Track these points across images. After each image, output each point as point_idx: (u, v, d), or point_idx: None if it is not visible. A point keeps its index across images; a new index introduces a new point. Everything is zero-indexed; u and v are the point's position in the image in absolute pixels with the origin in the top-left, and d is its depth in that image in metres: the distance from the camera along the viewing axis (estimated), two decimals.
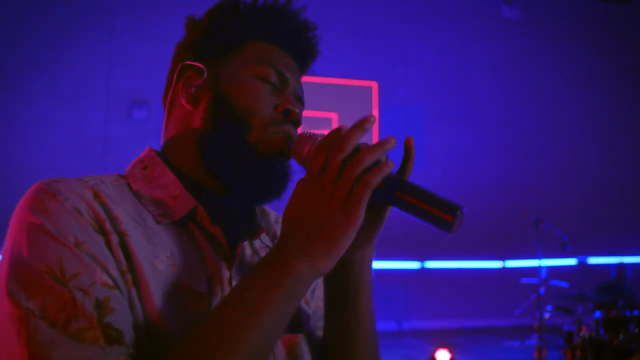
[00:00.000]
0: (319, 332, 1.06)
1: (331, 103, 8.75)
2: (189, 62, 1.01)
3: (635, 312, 5.48)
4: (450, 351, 6.95)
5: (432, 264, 10.72)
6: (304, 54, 1.09)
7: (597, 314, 5.70)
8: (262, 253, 1.02)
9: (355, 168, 0.81)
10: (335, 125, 8.67)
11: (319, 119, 8.59)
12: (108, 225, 0.83)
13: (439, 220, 0.84)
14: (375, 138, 9.11)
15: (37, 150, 9.11)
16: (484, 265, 10.47)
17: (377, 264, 9.08)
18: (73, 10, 9.39)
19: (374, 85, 9.18)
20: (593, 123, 11.56)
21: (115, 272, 0.81)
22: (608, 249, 10.51)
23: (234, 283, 0.91)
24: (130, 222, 0.86)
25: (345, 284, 0.96)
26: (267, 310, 0.78)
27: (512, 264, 9.87)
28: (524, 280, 6.25)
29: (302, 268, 0.79)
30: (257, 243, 1.03)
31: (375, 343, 1.01)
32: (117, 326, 0.77)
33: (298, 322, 1.01)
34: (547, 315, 6.17)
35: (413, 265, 10.70)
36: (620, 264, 6.72)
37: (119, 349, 0.76)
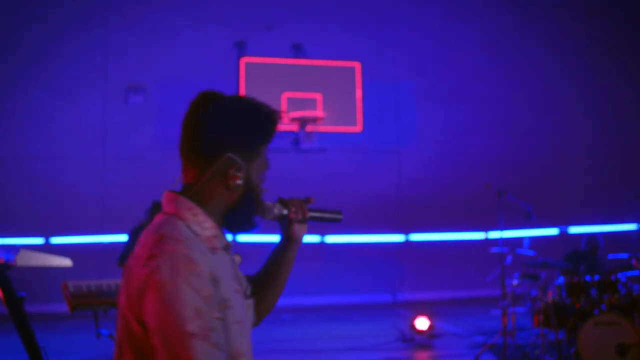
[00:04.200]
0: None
1: (316, 84, 9.00)
2: (232, 156, 1.51)
3: (597, 278, 5.75)
4: (430, 318, 7.30)
5: (422, 237, 11.01)
6: None
7: (560, 279, 5.99)
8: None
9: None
10: (320, 106, 8.96)
11: (304, 100, 8.87)
12: (216, 275, 1.41)
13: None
14: (359, 117, 9.38)
15: (38, 140, 9.51)
16: (470, 237, 10.75)
17: (368, 238, 9.36)
18: (67, 4, 9.74)
19: (357, 65, 9.40)
20: (583, 98, 11.69)
21: (220, 305, 1.39)
22: (599, 220, 10.73)
23: (243, 279, 1.66)
24: (216, 263, 1.44)
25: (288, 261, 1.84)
26: None
27: (494, 235, 10.13)
28: (493, 250, 6.53)
29: None
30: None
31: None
32: (221, 341, 1.38)
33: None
34: (515, 282, 6.47)
35: (403, 238, 11.01)
36: (591, 235, 6.98)
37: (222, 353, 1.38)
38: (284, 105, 8.82)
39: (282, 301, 7.71)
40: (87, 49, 9.86)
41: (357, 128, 9.40)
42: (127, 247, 6.04)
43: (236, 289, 1.49)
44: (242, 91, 8.97)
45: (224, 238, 1.53)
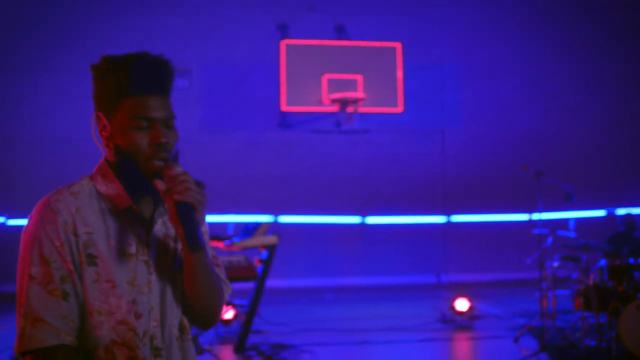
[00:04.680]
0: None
1: (356, 65, 8.98)
2: (99, 114, 1.54)
3: None
4: (470, 300, 7.28)
5: (466, 218, 10.92)
6: (165, 85, 1.56)
7: (602, 262, 5.88)
8: (168, 225, 1.61)
9: None
10: (360, 87, 8.95)
11: (345, 81, 8.85)
12: (79, 229, 1.47)
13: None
14: (400, 98, 9.31)
15: (88, 123, 9.80)
16: (515, 218, 10.58)
17: (410, 219, 9.36)
18: None
19: (398, 46, 9.29)
20: (634, 75, 11.26)
21: (77, 259, 1.46)
22: None
23: (150, 245, 1.54)
24: (96, 221, 1.49)
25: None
26: None
27: (538, 216, 9.94)
28: (535, 231, 6.42)
29: None
30: (164, 219, 1.60)
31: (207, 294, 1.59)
32: (68, 291, 1.45)
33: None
34: (555, 265, 6.37)
35: (448, 219, 10.94)
36: (627, 214, 6.81)
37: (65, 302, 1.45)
38: (324, 87, 8.83)
39: (326, 281, 7.83)
40: (134, 35, 10.07)
41: (398, 109, 9.35)
42: None
43: (125, 253, 1.50)
44: (283, 73, 9.02)
45: (128, 200, 1.51)
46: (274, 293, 8.23)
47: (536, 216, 6.48)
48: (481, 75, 10.92)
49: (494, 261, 10.60)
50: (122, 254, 1.50)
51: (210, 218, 7.78)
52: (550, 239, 6.40)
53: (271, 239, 6.11)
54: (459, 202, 10.88)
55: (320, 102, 8.91)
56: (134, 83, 1.49)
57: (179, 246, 1.59)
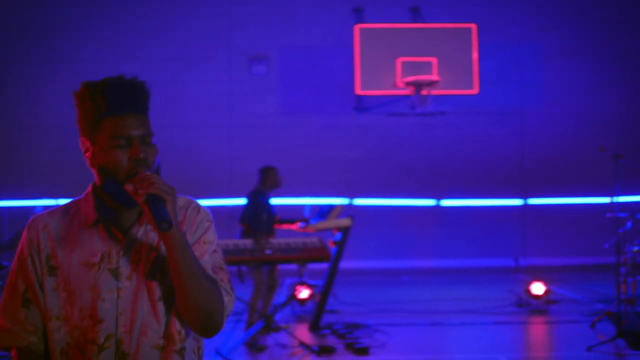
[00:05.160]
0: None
1: (431, 47, 8.93)
2: (82, 137, 1.65)
3: None
4: (546, 284, 7.20)
5: (546, 201, 10.69)
6: (141, 104, 1.66)
7: None
8: (150, 232, 1.65)
9: None
10: (435, 69, 8.90)
11: (419, 64, 8.83)
12: (42, 244, 1.65)
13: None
14: (476, 79, 9.19)
15: (173, 110, 10.21)
16: (597, 201, 10.26)
17: (487, 202, 9.27)
18: None
19: (473, 27, 9.15)
20: None
21: (39, 271, 1.63)
22: None
23: (121, 254, 1.62)
24: (66, 236, 1.64)
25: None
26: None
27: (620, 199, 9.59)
28: (609, 215, 6.27)
29: None
30: (146, 226, 1.66)
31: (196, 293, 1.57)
32: (30, 299, 1.66)
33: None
34: (635, 249, 6.20)
35: (527, 202, 10.75)
36: None
37: (27, 310, 1.67)
38: (398, 70, 8.86)
39: (402, 263, 7.98)
40: (213, 22, 10.43)
41: (474, 90, 9.25)
42: (246, 209, 6.49)
43: (87, 262, 1.62)
44: (357, 57, 9.10)
45: (94, 214, 1.63)
46: (349, 274, 8.40)
47: (621, 199, 6.32)
48: (561, 54, 10.61)
49: (574, 245, 10.35)
50: (84, 264, 1.62)
51: (287, 200, 8.13)
52: (629, 223, 6.23)
53: (344, 222, 6.26)
54: (537, 184, 10.67)
55: (394, 85, 8.95)
56: (110, 105, 1.59)
57: (162, 253, 1.62)
